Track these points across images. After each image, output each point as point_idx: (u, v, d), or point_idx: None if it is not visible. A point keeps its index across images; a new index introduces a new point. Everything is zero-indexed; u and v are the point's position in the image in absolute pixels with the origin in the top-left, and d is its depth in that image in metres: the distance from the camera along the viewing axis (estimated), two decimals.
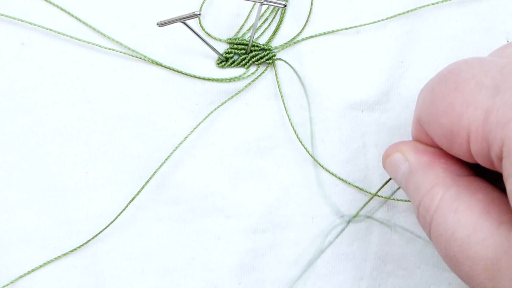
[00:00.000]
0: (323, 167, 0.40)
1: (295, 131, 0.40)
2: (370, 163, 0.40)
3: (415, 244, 0.41)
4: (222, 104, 0.39)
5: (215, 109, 0.39)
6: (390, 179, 0.38)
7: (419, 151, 0.35)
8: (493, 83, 0.29)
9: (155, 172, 0.39)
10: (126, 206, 0.39)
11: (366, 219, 0.41)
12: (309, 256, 0.40)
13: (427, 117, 0.33)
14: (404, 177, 0.35)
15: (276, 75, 0.40)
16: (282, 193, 0.40)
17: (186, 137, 0.39)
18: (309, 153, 0.40)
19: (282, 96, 0.40)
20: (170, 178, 0.40)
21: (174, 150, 0.39)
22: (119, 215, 0.39)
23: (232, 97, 0.39)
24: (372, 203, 0.40)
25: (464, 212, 0.31)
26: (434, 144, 0.34)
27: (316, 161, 0.40)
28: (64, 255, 0.39)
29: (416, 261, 0.41)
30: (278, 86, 0.40)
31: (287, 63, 0.40)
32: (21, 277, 0.39)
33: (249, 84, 0.40)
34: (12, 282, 0.39)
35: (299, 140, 0.40)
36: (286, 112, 0.40)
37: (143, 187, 0.39)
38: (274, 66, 0.40)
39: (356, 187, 0.40)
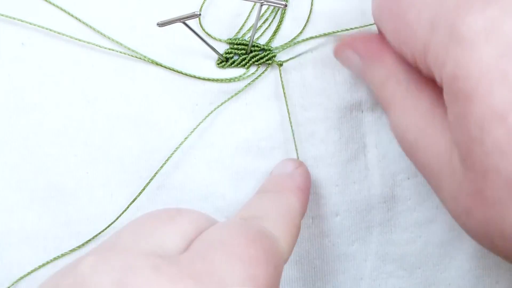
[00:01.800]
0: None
1: (292, 133, 0.40)
2: (371, 163, 0.40)
3: (415, 244, 0.41)
4: (221, 104, 0.39)
5: (215, 109, 0.39)
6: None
7: (369, 44, 0.35)
8: (430, 16, 0.29)
9: (156, 173, 0.39)
10: (127, 207, 0.39)
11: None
12: (310, 257, 0.40)
13: (379, 25, 0.33)
14: (358, 71, 0.35)
15: (280, 76, 0.40)
16: None
17: (186, 138, 0.39)
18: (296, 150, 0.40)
19: (285, 97, 0.40)
20: (170, 178, 0.40)
21: (175, 150, 0.39)
22: (120, 215, 0.39)
23: (232, 97, 0.39)
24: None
25: (411, 114, 0.31)
26: None
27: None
28: (64, 255, 0.39)
29: (416, 261, 0.41)
30: (282, 86, 0.40)
31: (279, 64, 0.40)
32: (21, 278, 0.39)
33: (249, 84, 0.40)
34: (13, 284, 0.39)
35: (294, 142, 0.40)
36: (288, 112, 0.40)
37: (144, 188, 0.39)
38: (280, 68, 0.40)
39: None
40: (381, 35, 0.34)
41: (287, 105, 0.40)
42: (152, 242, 0.28)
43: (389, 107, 0.33)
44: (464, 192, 0.28)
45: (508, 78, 0.25)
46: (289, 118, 0.40)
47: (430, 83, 0.31)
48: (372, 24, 0.40)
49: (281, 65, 0.39)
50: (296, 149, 0.40)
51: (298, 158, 0.40)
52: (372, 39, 0.35)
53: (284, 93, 0.40)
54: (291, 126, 0.40)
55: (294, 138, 0.40)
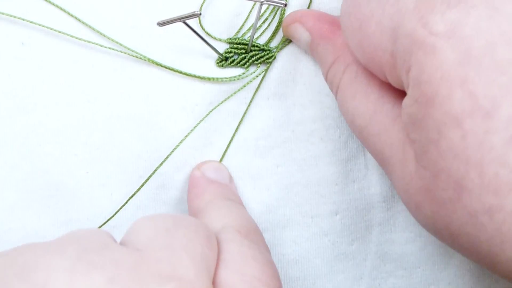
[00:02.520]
0: None
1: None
2: (370, 162, 0.40)
3: (415, 243, 0.41)
4: (221, 102, 0.39)
5: (215, 107, 0.39)
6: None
7: (320, 20, 0.35)
8: (391, 25, 0.29)
9: (155, 171, 0.39)
10: (124, 204, 0.39)
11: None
12: (309, 256, 0.40)
13: (347, 39, 0.32)
14: (307, 47, 0.35)
15: (265, 72, 0.40)
16: (281, 193, 0.40)
17: (186, 136, 0.39)
18: None
19: (257, 89, 0.40)
20: (170, 178, 0.40)
21: (174, 149, 0.39)
22: (116, 212, 0.39)
23: (231, 95, 0.39)
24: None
25: (361, 99, 0.31)
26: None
27: None
28: None
29: (416, 261, 0.41)
30: (260, 82, 0.40)
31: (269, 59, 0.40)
32: None
33: (248, 83, 0.40)
34: None
35: None
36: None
37: (142, 185, 0.39)
38: (268, 65, 0.40)
39: None
40: (331, 15, 0.34)
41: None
42: None
43: (337, 89, 0.33)
44: (415, 187, 0.29)
45: (466, 83, 0.26)
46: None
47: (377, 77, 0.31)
48: None
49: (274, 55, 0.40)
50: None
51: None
52: (324, 18, 0.35)
53: (259, 84, 0.40)
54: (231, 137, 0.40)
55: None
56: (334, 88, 0.34)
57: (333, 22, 0.34)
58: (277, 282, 0.29)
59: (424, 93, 0.27)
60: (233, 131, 0.40)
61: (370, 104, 0.31)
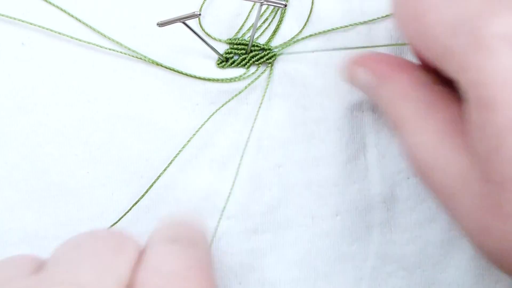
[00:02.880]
0: None
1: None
2: (371, 163, 0.40)
3: (415, 244, 0.41)
4: (223, 104, 0.39)
5: (219, 108, 0.39)
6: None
7: (381, 63, 0.34)
8: (452, 20, 0.28)
9: (159, 176, 0.39)
10: (129, 210, 0.39)
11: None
12: (310, 257, 0.40)
13: (399, 27, 0.32)
14: (370, 91, 0.34)
15: (270, 73, 0.40)
16: (282, 193, 0.40)
17: (190, 138, 0.39)
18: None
19: (265, 92, 0.40)
20: (171, 178, 0.40)
21: (180, 151, 0.39)
22: (121, 218, 0.39)
23: (235, 96, 0.39)
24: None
25: (429, 132, 0.31)
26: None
27: None
28: None
29: (416, 261, 0.41)
30: (267, 85, 0.40)
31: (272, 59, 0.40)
32: None
33: (250, 84, 0.40)
34: None
35: None
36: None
37: (147, 191, 0.39)
38: (271, 68, 0.40)
39: None
40: (391, 55, 0.34)
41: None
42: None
43: (400, 127, 0.32)
44: (481, 209, 0.28)
45: None
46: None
47: (442, 102, 0.31)
48: (371, 21, 0.40)
49: (274, 55, 0.39)
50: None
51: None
52: (383, 59, 0.34)
53: (267, 87, 0.40)
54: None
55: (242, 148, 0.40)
56: (397, 126, 0.33)
57: (393, 62, 0.34)
58: (199, 272, 0.30)
59: (482, 96, 0.26)
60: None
61: (434, 138, 0.30)
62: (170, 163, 0.39)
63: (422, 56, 0.31)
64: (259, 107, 0.40)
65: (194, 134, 0.39)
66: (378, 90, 0.34)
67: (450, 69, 0.29)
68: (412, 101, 0.32)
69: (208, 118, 0.39)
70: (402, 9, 0.31)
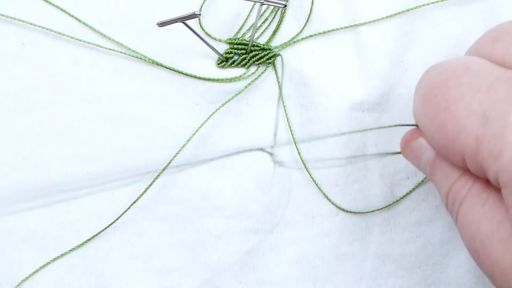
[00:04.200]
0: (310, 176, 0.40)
1: (291, 133, 0.40)
2: (370, 163, 0.40)
3: (415, 244, 0.41)
4: (223, 104, 0.39)
5: (217, 109, 0.39)
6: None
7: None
8: (482, 109, 0.29)
9: (158, 175, 0.39)
10: (129, 208, 0.39)
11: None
12: (310, 256, 0.40)
13: (421, 126, 0.32)
14: (429, 164, 0.34)
15: (276, 73, 0.40)
16: (282, 193, 0.40)
17: (189, 139, 0.39)
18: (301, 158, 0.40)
19: (281, 95, 0.40)
20: (171, 178, 0.40)
21: (179, 151, 0.39)
22: (120, 216, 0.39)
23: (235, 95, 0.39)
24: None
25: (491, 206, 0.31)
26: None
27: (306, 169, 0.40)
28: (64, 255, 0.39)
29: (416, 261, 0.41)
30: (279, 84, 0.40)
31: (281, 56, 0.40)
32: (23, 281, 0.39)
33: (250, 84, 0.40)
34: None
35: (294, 142, 0.40)
36: (286, 113, 0.40)
37: (146, 190, 0.39)
38: (274, 66, 0.40)
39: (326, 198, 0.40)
40: None
41: (283, 102, 0.40)
42: None
43: (462, 200, 0.32)
44: None
45: None
46: (287, 117, 0.40)
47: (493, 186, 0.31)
48: (372, 22, 0.40)
49: (275, 55, 0.39)
50: (297, 149, 0.40)
51: (300, 157, 0.40)
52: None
53: (281, 91, 0.40)
54: (289, 127, 0.40)
55: (294, 138, 0.40)
56: (459, 200, 0.32)
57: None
58: None
59: None
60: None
61: (501, 209, 0.30)
62: (170, 161, 0.39)
63: (447, 154, 0.31)
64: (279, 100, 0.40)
65: (193, 134, 0.39)
66: (438, 164, 0.33)
67: (484, 159, 0.29)
68: (469, 181, 0.32)
69: (208, 118, 0.39)
70: (426, 104, 0.31)
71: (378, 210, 0.40)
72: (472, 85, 0.30)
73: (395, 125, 0.37)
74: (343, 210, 0.40)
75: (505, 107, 0.28)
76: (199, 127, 0.39)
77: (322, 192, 0.40)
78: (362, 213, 0.40)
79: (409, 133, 0.35)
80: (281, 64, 0.40)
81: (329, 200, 0.40)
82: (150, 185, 0.39)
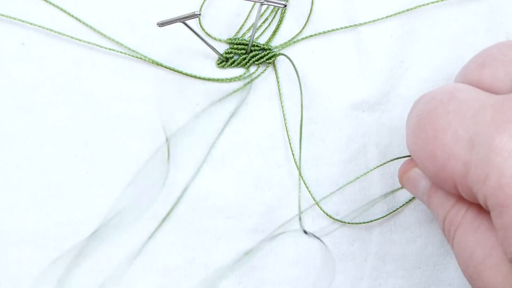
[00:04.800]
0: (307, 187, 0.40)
1: (287, 135, 0.40)
2: (371, 163, 0.40)
3: (415, 244, 0.41)
4: (223, 101, 0.39)
5: (216, 105, 0.39)
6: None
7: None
8: (468, 135, 0.29)
9: (185, 189, 0.39)
10: (160, 225, 0.39)
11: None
12: (310, 257, 0.40)
13: (413, 156, 0.33)
14: (426, 193, 0.35)
15: (276, 73, 0.40)
16: (282, 193, 0.40)
17: (197, 139, 0.39)
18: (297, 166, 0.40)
19: (280, 96, 0.40)
20: (171, 178, 0.40)
21: (196, 153, 0.39)
22: (155, 230, 0.39)
23: (234, 94, 0.40)
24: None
25: (484, 232, 0.31)
26: None
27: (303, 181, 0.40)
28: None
29: (416, 261, 0.41)
30: (278, 85, 0.40)
31: (287, 57, 0.40)
32: None
33: (249, 83, 0.40)
34: None
35: (291, 150, 0.40)
36: (283, 113, 0.40)
37: (174, 205, 0.39)
38: (274, 66, 0.40)
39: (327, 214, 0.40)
40: None
41: (281, 103, 0.40)
42: None
43: (457, 226, 0.32)
44: None
45: None
46: (284, 119, 0.40)
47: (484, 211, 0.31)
48: (372, 22, 0.40)
49: (275, 55, 0.39)
50: (300, 148, 0.40)
51: (300, 157, 0.40)
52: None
53: (279, 90, 0.40)
54: (286, 127, 0.40)
55: (289, 138, 0.40)
56: (454, 227, 0.33)
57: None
58: None
59: (507, 197, 0.27)
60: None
61: (493, 236, 0.31)
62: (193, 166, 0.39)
63: (439, 182, 0.32)
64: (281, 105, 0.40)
65: (219, 134, 0.39)
66: (435, 193, 0.34)
67: (473, 184, 0.29)
68: (468, 206, 0.32)
69: (215, 119, 0.39)
70: (420, 132, 0.32)
71: (377, 219, 0.40)
72: (458, 112, 0.30)
73: (392, 160, 0.39)
74: (340, 221, 0.40)
75: (490, 131, 0.28)
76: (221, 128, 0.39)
77: (315, 202, 0.40)
78: (361, 223, 0.40)
79: (405, 163, 0.36)
80: (281, 65, 0.40)
81: (323, 211, 0.40)
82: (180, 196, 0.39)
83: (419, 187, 0.35)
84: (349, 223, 0.40)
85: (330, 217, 0.40)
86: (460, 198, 0.32)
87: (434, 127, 0.31)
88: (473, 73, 0.33)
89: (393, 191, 0.41)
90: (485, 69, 0.32)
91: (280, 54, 0.40)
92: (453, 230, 0.33)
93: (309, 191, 0.40)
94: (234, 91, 0.40)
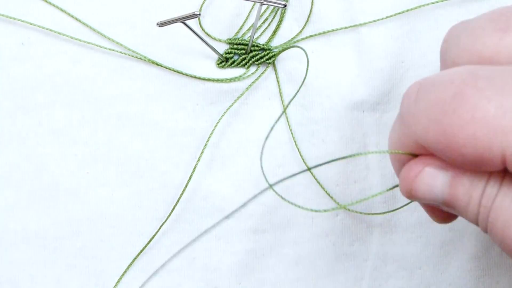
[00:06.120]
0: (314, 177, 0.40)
1: (292, 134, 0.40)
2: (371, 163, 0.40)
3: (415, 244, 0.41)
4: (232, 104, 0.39)
5: (228, 108, 0.39)
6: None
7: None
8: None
9: (187, 184, 0.39)
10: (165, 221, 0.39)
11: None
12: (310, 257, 0.40)
13: (439, 147, 0.30)
14: (448, 185, 0.31)
15: (276, 73, 0.40)
16: (282, 193, 0.40)
17: (209, 137, 0.39)
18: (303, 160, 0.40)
19: (281, 95, 0.40)
20: (171, 178, 0.40)
21: (202, 153, 0.39)
22: (158, 231, 0.39)
23: (240, 97, 0.40)
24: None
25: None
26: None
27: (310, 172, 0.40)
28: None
29: (417, 262, 0.41)
30: (278, 85, 0.40)
31: (302, 49, 0.39)
32: None
33: (251, 85, 0.40)
34: None
35: (296, 144, 0.40)
36: (285, 113, 0.40)
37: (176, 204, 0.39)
38: (274, 66, 0.40)
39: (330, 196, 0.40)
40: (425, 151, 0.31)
41: (282, 102, 0.40)
42: None
43: (489, 211, 0.30)
44: None
45: None
46: (286, 117, 0.40)
47: None
48: (372, 22, 0.40)
49: (276, 54, 0.40)
50: (298, 149, 0.40)
51: (302, 157, 0.40)
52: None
53: (280, 91, 0.40)
54: (289, 126, 0.40)
55: (294, 138, 0.40)
56: (485, 211, 0.30)
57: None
58: None
59: None
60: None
61: None
62: (197, 163, 0.39)
63: (480, 161, 0.29)
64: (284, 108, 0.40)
65: (212, 132, 0.39)
66: (458, 182, 0.31)
67: (496, 151, 0.27)
68: (504, 177, 0.30)
69: (220, 119, 0.39)
70: (449, 120, 0.29)
71: (381, 213, 0.40)
72: (493, 86, 0.28)
73: (388, 151, 0.34)
74: (346, 209, 0.40)
75: None
76: (215, 126, 0.39)
77: (325, 191, 0.40)
78: (365, 213, 0.40)
79: (411, 168, 0.31)
80: (281, 65, 0.40)
81: (333, 199, 0.40)
82: (181, 195, 0.39)
83: (436, 184, 0.31)
84: (351, 210, 0.39)
85: (335, 201, 0.40)
86: (491, 174, 0.29)
87: (467, 108, 0.28)
88: (490, 38, 0.29)
89: (392, 188, 0.41)
90: (508, 34, 0.29)
91: (295, 47, 0.39)
92: (486, 212, 0.29)
93: (316, 180, 0.40)
94: (239, 97, 0.40)
